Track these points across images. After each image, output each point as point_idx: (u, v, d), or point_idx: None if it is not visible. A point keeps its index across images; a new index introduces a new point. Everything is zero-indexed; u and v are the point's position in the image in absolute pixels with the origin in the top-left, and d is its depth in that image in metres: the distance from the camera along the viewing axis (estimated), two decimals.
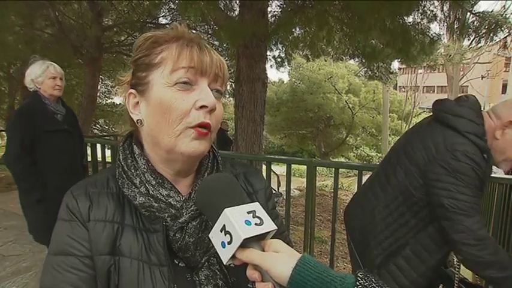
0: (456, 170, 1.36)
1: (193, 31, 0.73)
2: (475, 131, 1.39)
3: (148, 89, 0.66)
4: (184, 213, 0.67)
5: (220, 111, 0.69)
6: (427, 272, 1.50)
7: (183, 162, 0.69)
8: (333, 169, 2.64)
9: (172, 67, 0.64)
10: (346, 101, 16.35)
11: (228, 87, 10.21)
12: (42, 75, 2.44)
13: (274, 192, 8.26)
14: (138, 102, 0.69)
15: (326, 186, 9.31)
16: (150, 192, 0.68)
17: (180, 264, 0.69)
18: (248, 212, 0.57)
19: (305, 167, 2.73)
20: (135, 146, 0.73)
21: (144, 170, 0.69)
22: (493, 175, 2.33)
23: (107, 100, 14.59)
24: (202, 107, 0.64)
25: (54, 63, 2.54)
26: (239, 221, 0.54)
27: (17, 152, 2.28)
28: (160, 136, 0.66)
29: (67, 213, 0.68)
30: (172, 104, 0.63)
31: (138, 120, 0.69)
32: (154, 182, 0.68)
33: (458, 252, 1.40)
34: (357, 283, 0.51)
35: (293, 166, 2.83)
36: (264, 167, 5.59)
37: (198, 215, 0.67)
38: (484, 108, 1.53)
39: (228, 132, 10.31)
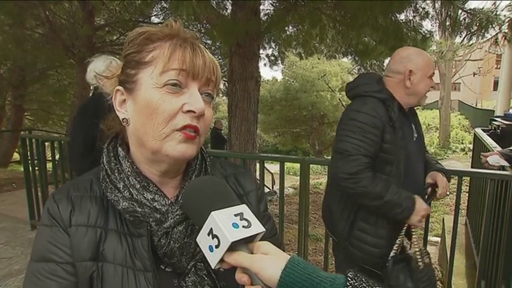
0: (348, 117, 1.67)
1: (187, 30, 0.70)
2: (370, 88, 1.68)
3: (136, 88, 0.64)
4: (169, 218, 0.65)
5: (209, 116, 0.66)
6: (383, 222, 1.68)
7: (169, 164, 0.67)
8: (327, 167, 2.64)
9: (162, 68, 0.61)
10: (339, 99, 16.40)
11: (221, 85, 10.19)
12: (106, 71, 2.37)
13: (268, 190, 8.28)
14: (125, 100, 0.67)
15: (320, 184, 9.31)
16: (134, 196, 0.65)
17: (166, 269, 0.67)
18: (235, 215, 0.55)
19: (299, 165, 2.73)
20: (119, 147, 0.70)
21: (129, 173, 0.67)
22: (485, 171, 2.35)
23: None
24: (189, 111, 0.62)
25: (116, 59, 2.52)
26: (226, 224, 0.53)
27: (81, 151, 2.30)
28: (146, 137, 0.63)
29: (48, 218, 0.66)
30: (159, 106, 0.61)
31: (123, 119, 0.67)
32: (138, 186, 0.66)
33: (340, 186, 1.66)
34: (347, 283, 0.50)
35: (287, 164, 2.83)
36: (257, 165, 5.60)
37: (183, 219, 0.65)
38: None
39: (222, 131, 10.29)
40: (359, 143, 1.58)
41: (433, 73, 1.74)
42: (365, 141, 1.59)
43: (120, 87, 0.67)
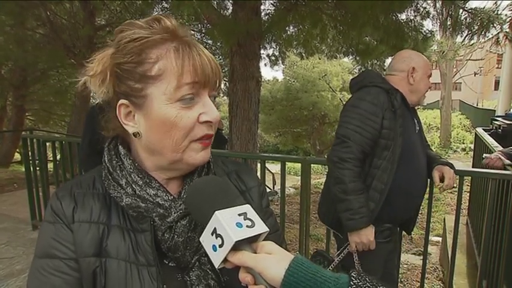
0: (350, 105, 1.75)
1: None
2: (374, 79, 1.77)
3: (147, 103, 0.62)
4: (172, 213, 0.65)
5: (218, 118, 0.67)
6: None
7: (186, 170, 0.69)
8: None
9: (176, 83, 0.60)
10: (340, 99, 16.36)
11: (222, 85, 10.18)
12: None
13: (269, 190, 8.27)
14: (130, 112, 0.65)
15: (321, 184, 9.27)
16: (137, 192, 0.66)
17: (170, 264, 0.67)
18: (239, 214, 0.56)
19: (300, 164, 2.73)
20: (120, 146, 0.70)
21: (131, 170, 0.67)
22: (486, 170, 2.35)
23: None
24: (206, 121, 0.63)
25: None
26: (230, 224, 0.53)
27: (86, 152, 2.36)
28: (164, 151, 0.64)
29: (52, 215, 0.66)
30: (177, 122, 0.61)
31: (135, 133, 0.66)
32: (141, 182, 0.66)
33: (328, 167, 1.77)
34: (351, 283, 0.50)
35: (288, 164, 2.82)
36: (258, 165, 5.59)
37: (187, 213, 0.65)
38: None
39: (223, 131, 10.28)
40: (356, 128, 1.66)
41: (431, 74, 1.86)
42: (362, 127, 1.66)
43: (125, 101, 0.64)
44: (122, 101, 0.65)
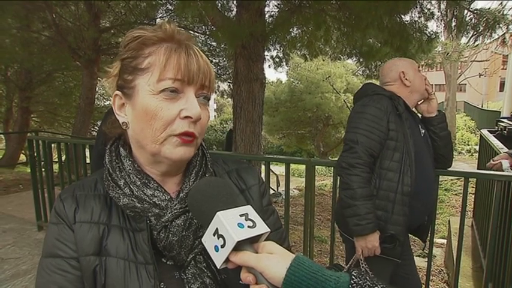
0: (355, 111, 1.80)
1: (191, 32, 0.71)
2: (375, 89, 1.87)
3: (134, 94, 0.66)
4: (168, 213, 0.67)
5: (205, 119, 0.68)
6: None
7: (169, 165, 0.70)
8: (332, 168, 2.63)
9: (158, 76, 0.63)
10: (344, 101, 16.31)
11: (226, 87, 10.20)
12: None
13: (273, 192, 8.27)
14: (123, 104, 0.70)
15: (325, 185, 9.29)
16: (134, 193, 0.68)
17: (168, 262, 0.69)
18: (241, 215, 0.56)
19: (304, 166, 2.73)
20: (121, 148, 0.73)
21: (130, 171, 0.70)
22: (491, 172, 2.33)
23: (105, 102, 14.56)
24: (187, 117, 0.64)
25: None
26: (232, 224, 0.54)
27: (95, 159, 2.36)
28: (145, 141, 0.66)
29: (55, 216, 0.70)
30: (157, 113, 0.64)
31: (123, 122, 0.70)
32: (139, 183, 0.69)
33: (337, 172, 1.82)
34: (352, 281, 0.50)
35: (292, 166, 2.82)
36: (263, 167, 5.60)
37: (181, 213, 0.67)
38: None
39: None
40: (364, 132, 1.70)
41: (418, 66, 1.94)
42: (369, 130, 1.70)
43: (118, 92, 0.69)
44: (116, 92, 0.70)
